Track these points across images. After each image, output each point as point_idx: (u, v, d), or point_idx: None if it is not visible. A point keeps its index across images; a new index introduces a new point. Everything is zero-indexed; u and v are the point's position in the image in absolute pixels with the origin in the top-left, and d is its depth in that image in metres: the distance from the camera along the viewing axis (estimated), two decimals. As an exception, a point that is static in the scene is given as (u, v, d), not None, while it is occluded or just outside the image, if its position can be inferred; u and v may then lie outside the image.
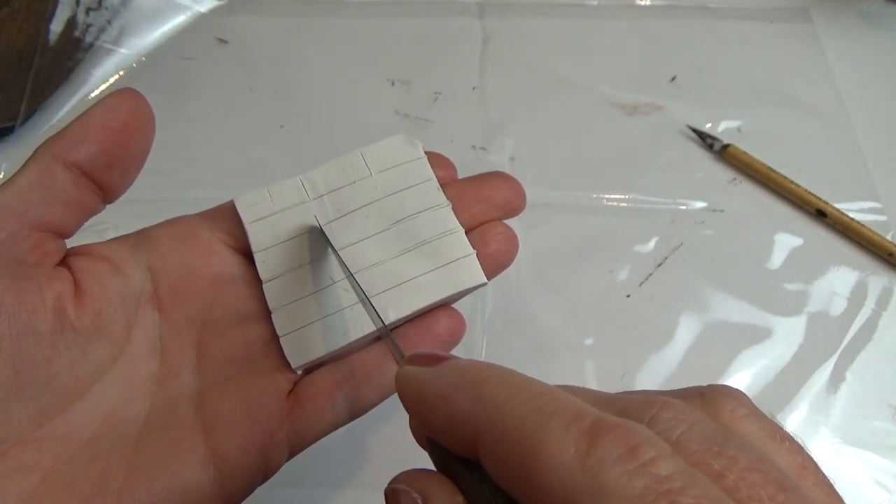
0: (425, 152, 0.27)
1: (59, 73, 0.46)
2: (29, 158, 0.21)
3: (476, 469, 0.15)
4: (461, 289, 0.25)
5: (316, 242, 0.25)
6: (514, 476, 0.14)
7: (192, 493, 0.21)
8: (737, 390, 0.16)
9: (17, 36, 0.42)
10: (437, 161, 0.27)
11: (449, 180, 0.27)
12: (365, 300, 0.23)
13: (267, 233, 0.25)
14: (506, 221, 0.27)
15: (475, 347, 0.37)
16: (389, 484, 0.17)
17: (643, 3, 0.52)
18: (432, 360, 0.17)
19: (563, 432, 0.13)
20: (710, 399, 0.16)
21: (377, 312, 0.22)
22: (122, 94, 0.22)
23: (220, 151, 0.45)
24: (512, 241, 0.26)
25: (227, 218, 0.25)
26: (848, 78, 0.48)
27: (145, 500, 0.20)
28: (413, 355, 0.18)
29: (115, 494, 0.20)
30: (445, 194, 0.26)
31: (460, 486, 0.16)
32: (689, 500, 0.12)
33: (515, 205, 0.27)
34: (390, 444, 0.35)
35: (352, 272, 0.24)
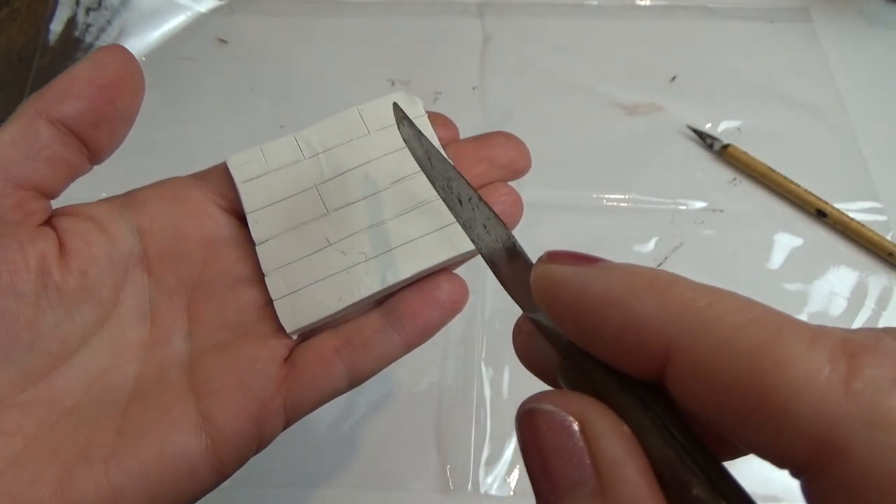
0: (426, 112, 0.26)
1: (59, 73, 0.46)
2: (13, 114, 0.20)
3: (637, 393, 0.13)
4: (462, 252, 0.24)
5: (309, 203, 0.24)
6: (735, 399, 0.11)
7: (183, 462, 0.20)
8: None
9: (17, 36, 0.42)
10: (438, 120, 0.26)
11: (451, 139, 0.26)
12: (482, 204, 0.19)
13: (260, 193, 0.24)
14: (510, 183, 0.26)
15: (475, 348, 0.37)
16: (524, 403, 0.13)
17: (643, 3, 0.52)
18: (584, 259, 0.14)
19: (807, 348, 0.11)
20: None
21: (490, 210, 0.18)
22: (110, 50, 0.21)
23: (220, 151, 0.44)
24: (517, 203, 0.25)
25: (220, 179, 0.25)
26: (848, 78, 0.48)
27: (134, 468, 0.19)
28: (555, 253, 0.15)
29: (101, 462, 0.19)
30: (447, 154, 0.25)
31: (620, 413, 0.13)
32: None
33: (520, 165, 0.26)
34: (388, 443, 0.35)
35: (348, 234, 0.23)
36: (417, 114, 0.26)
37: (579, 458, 0.12)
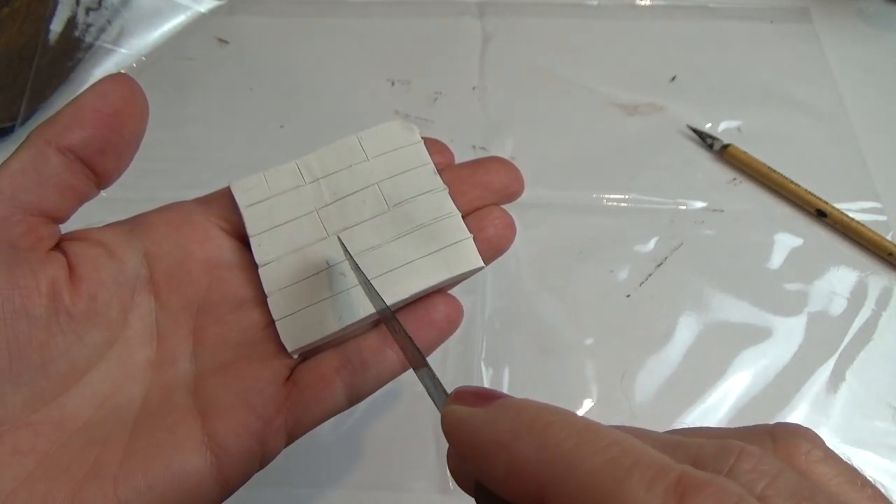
0: (422, 138, 0.27)
1: (59, 73, 0.46)
2: (22, 143, 0.21)
3: None
4: (458, 273, 0.25)
5: (310, 226, 0.25)
6: None
7: (189, 479, 0.21)
8: (808, 430, 0.16)
9: (17, 36, 0.42)
10: (433, 146, 0.27)
11: (446, 165, 0.27)
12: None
13: (263, 217, 0.25)
14: (503, 207, 0.27)
15: (475, 347, 0.37)
16: None
17: (643, 3, 0.52)
18: (481, 398, 0.16)
19: (647, 490, 0.12)
20: (783, 440, 0.15)
21: (419, 352, 0.21)
22: (114, 79, 0.22)
23: (220, 151, 0.45)
24: (509, 226, 0.26)
25: (223, 203, 0.25)
26: (848, 78, 0.48)
27: (142, 486, 0.20)
28: (459, 393, 0.17)
29: (110, 479, 0.20)
30: (442, 179, 0.26)
31: None
32: None
33: (513, 190, 0.27)
34: (388, 443, 0.35)
35: (350, 254, 0.25)
36: (413, 140, 0.27)
37: None
